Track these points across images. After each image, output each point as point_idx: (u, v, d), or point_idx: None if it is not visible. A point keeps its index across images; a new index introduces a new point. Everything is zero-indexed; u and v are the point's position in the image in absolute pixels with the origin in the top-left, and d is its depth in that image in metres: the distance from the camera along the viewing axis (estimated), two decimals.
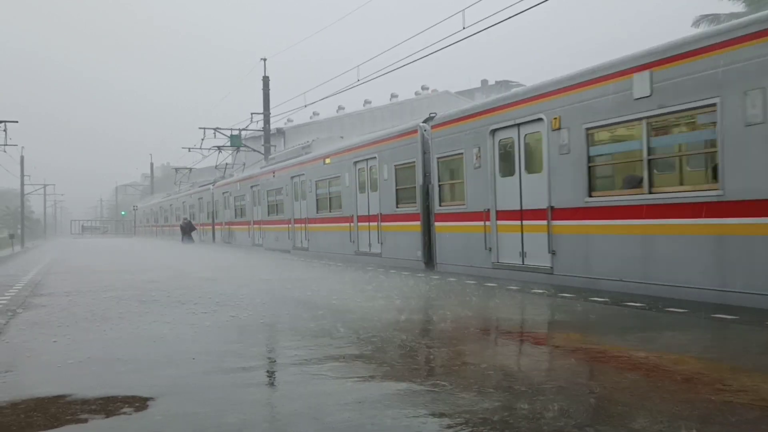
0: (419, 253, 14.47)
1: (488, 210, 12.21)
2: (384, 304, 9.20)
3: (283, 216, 23.42)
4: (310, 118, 46.21)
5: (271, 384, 5.21)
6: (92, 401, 4.50)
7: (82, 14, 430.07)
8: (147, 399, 4.49)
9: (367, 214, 16.85)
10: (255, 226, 27.60)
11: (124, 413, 4.23)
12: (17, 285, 13.34)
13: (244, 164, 36.76)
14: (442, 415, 4.02)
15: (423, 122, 14.55)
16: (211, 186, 36.29)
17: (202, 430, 3.88)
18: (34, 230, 79.36)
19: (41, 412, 4.31)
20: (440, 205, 13.84)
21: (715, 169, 8.16)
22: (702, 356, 5.78)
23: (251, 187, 28.00)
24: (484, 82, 58.14)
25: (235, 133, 35.45)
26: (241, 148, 36.22)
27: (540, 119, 10.80)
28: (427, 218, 14.29)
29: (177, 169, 50.81)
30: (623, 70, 9.26)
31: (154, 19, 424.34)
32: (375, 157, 16.35)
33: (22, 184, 60.90)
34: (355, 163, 17.36)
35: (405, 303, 9.28)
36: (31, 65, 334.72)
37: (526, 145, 11.39)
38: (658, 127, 8.98)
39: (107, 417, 4.17)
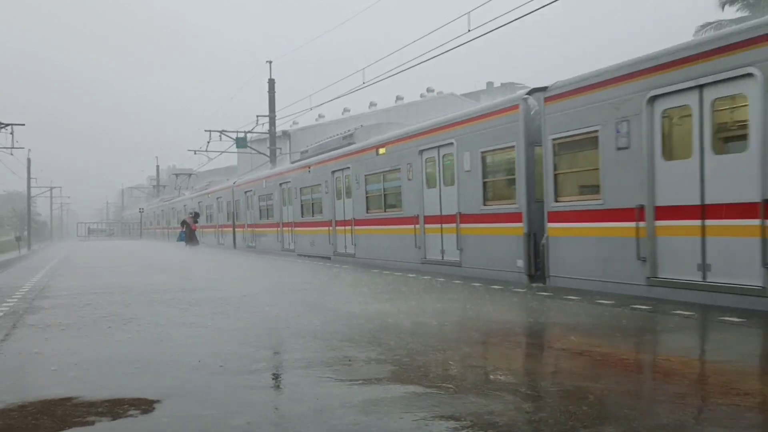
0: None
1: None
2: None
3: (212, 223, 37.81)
4: (316, 120, 46.17)
5: (277, 386, 5.21)
6: (99, 403, 4.52)
7: (83, 14, 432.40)
8: (153, 401, 4.51)
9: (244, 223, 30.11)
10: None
11: (131, 415, 4.24)
12: (24, 287, 13.40)
13: (190, 187, 50.05)
14: (447, 417, 4.02)
15: (291, 161, 27.12)
16: (166, 202, 53.05)
17: None
18: (40, 232, 79.61)
19: (48, 414, 4.32)
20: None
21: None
22: (709, 359, 5.76)
23: (184, 205, 43.53)
24: (490, 84, 57.99)
25: (241, 135, 35.48)
26: (248, 151, 36.38)
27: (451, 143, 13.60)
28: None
29: (156, 186, 67.10)
30: (509, 107, 11.81)
31: (154, 20, 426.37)
32: (252, 190, 28.39)
33: (29, 187, 61.12)
34: (245, 192, 29.23)
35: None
36: (32, 66, 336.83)
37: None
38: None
39: (114, 419, 4.19)
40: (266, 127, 34.73)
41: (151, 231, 61.01)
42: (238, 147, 35.93)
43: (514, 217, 11.67)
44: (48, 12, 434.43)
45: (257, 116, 34.55)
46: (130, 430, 4.01)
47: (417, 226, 14.77)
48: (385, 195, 16.55)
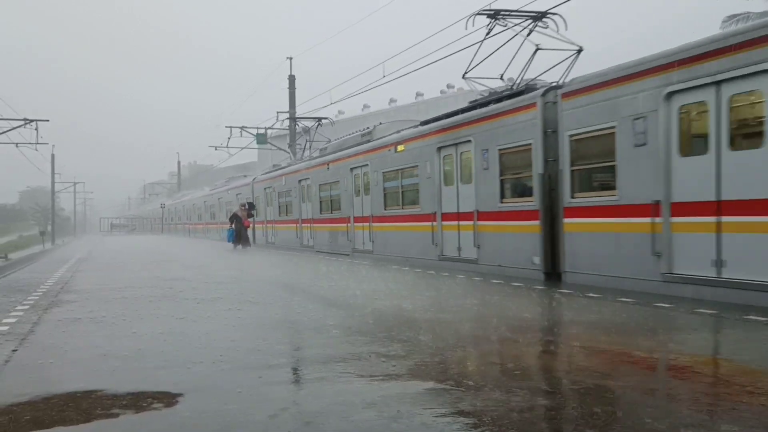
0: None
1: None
2: None
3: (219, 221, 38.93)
4: (335, 116, 46.25)
5: (297, 382, 5.24)
6: (123, 396, 4.58)
7: (106, 28, 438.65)
8: (176, 395, 4.56)
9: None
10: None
11: (155, 408, 4.30)
12: (49, 281, 13.59)
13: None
14: (467, 414, 4.02)
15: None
16: (214, 191, 49.29)
17: (230, 427, 3.93)
18: (64, 227, 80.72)
19: (74, 407, 4.39)
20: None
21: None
22: (733, 358, 5.70)
23: (193, 204, 47.69)
24: (510, 80, 57.60)
25: (261, 132, 35.64)
26: (268, 147, 36.56)
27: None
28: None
29: (178, 182, 70.63)
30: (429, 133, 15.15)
31: (178, 32, 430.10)
32: (272, 186, 29.48)
33: (53, 182, 61.95)
34: (240, 194, 33.52)
35: None
36: (58, 78, 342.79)
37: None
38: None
39: (137, 412, 4.24)
40: (286, 124, 34.82)
41: (175, 227, 60.29)
42: (258, 143, 36.08)
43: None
44: (68, 22, 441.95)
45: (277, 112, 34.68)
46: (153, 423, 4.07)
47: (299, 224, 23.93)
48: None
